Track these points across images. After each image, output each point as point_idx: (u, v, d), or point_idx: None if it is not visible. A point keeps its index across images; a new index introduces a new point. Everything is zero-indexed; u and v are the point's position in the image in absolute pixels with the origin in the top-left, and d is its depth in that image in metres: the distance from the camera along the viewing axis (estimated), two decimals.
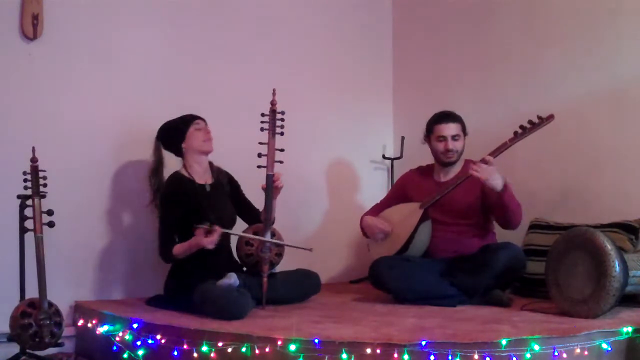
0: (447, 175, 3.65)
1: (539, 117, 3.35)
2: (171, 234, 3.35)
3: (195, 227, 3.19)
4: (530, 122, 3.36)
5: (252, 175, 3.37)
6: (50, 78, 3.53)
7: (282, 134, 3.29)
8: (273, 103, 3.29)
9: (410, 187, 3.77)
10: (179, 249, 3.30)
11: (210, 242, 3.18)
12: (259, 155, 3.26)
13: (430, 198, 3.57)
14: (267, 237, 3.31)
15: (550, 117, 3.35)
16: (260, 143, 3.25)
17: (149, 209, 3.54)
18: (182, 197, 3.37)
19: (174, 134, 3.46)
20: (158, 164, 3.48)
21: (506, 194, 3.35)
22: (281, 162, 3.28)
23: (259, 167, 3.28)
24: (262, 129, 3.27)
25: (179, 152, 3.49)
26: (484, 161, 3.33)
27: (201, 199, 3.40)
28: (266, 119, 3.28)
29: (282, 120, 3.28)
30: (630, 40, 3.53)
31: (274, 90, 3.28)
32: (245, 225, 3.57)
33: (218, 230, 3.17)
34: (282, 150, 3.26)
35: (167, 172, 3.50)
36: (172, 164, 3.54)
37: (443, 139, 3.60)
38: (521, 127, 3.36)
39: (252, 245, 3.33)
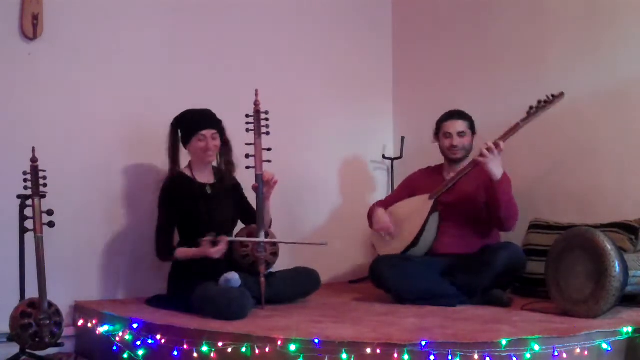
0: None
1: (551, 95, 3.36)
2: (169, 234, 3.37)
3: (201, 239, 3.21)
4: (540, 101, 3.37)
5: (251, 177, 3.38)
6: (50, 78, 3.53)
7: (267, 133, 3.30)
8: (256, 103, 3.31)
9: (420, 185, 3.77)
10: (182, 253, 3.32)
11: (217, 252, 3.21)
12: (247, 156, 3.28)
13: (440, 188, 3.58)
14: (262, 237, 3.31)
15: (561, 95, 3.37)
16: (247, 144, 3.27)
17: (149, 208, 3.54)
18: (179, 197, 3.38)
19: (182, 132, 3.44)
20: (174, 149, 3.45)
21: (501, 185, 3.36)
22: (269, 161, 3.28)
23: (247, 167, 3.30)
24: (247, 130, 3.28)
25: (184, 146, 3.48)
26: (495, 144, 3.33)
27: (199, 199, 3.40)
28: (251, 119, 3.30)
29: (267, 120, 3.29)
30: (630, 40, 3.53)
31: (256, 90, 3.30)
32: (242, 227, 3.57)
33: (225, 239, 3.20)
34: (269, 149, 3.27)
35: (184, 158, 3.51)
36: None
37: (449, 135, 3.64)
38: (532, 107, 3.37)
39: (247, 247, 3.33)
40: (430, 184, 3.69)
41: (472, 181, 3.57)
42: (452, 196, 3.59)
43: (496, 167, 3.34)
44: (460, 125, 3.64)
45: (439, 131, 3.70)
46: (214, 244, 3.20)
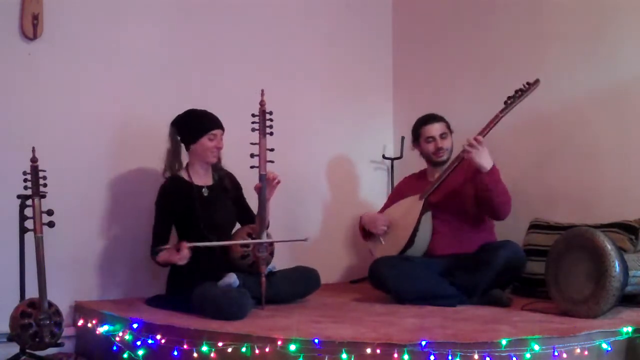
0: None
1: (526, 83, 3.40)
2: (161, 237, 3.38)
3: (159, 249, 3.27)
4: (517, 90, 3.41)
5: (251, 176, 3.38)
6: (50, 78, 3.53)
7: (271, 133, 3.30)
8: (262, 103, 3.31)
9: (407, 191, 3.77)
10: (160, 257, 3.34)
11: (180, 258, 3.20)
12: (252, 155, 3.28)
13: (429, 187, 3.59)
14: (263, 237, 3.31)
15: (536, 82, 3.42)
16: (252, 143, 3.27)
17: (149, 208, 3.54)
18: (176, 200, 3.39)
19: (188, 131, 3.45)
20: (176, 148, 3.47)
21: (490, 177, 3.36)
22: (272, 161, 3.29)
23: (252, 167, 3.30)
24: (253, 130, 3.29)
25: (186, 147, 3.49)
26: (475, 139, 3.35)
27: (196, 202, 3.40)
28: (256, 119, 3.30)
29: (271, 120, 3.29)
30: (630, 40, 3.53)
31: (262, 90, 3.29)
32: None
33: (184, 245, 3.19)
34: (272, 149, 3.27)
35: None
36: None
37: (432, 139, 3.65)
38: (509, 97, 3.41)
39: (247, 247, 3.33)
40: (417, 188, 3.70)
41: (458, 178, 3.59)
42: (440, 195, 3.60)
43: (484, 159, 3.34)
44: (440, 128, 3.66)
45: (419, 137, 3.71)
46: (177, 250, 3.21)
